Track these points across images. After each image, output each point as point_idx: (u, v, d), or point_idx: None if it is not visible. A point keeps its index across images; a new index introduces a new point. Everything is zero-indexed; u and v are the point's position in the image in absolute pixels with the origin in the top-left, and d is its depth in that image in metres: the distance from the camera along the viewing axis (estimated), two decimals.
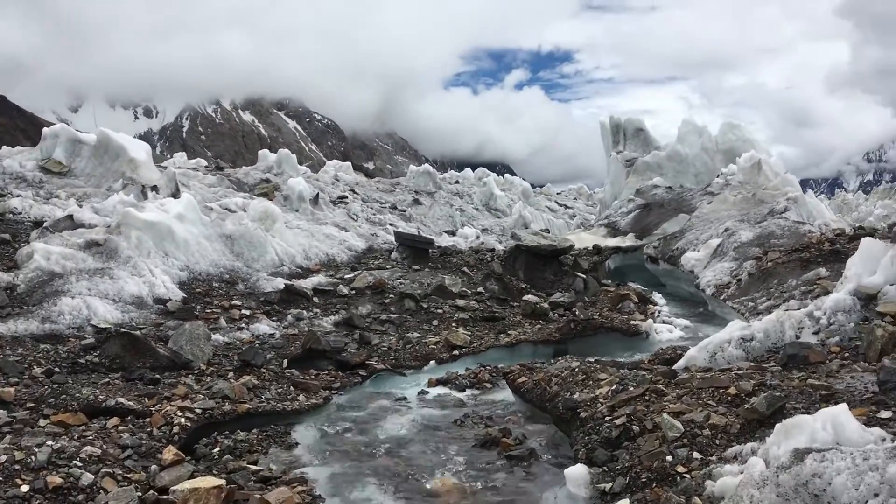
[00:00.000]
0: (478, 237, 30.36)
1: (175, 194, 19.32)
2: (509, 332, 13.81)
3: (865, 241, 8.99)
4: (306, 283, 15.91)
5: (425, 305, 15.30)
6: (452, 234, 32.54)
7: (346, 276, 17.15)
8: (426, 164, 48.79)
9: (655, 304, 18.79)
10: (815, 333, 8.26)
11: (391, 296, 15.64)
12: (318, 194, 27.71)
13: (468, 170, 58.28)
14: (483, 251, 23.30)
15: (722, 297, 15.63)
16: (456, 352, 12.07)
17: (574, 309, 17.54)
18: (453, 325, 14.34)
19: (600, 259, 24.92)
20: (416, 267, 19.07)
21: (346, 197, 34.67)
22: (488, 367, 11.05)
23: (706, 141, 34.64)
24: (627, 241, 26.57)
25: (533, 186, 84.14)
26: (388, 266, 19.32)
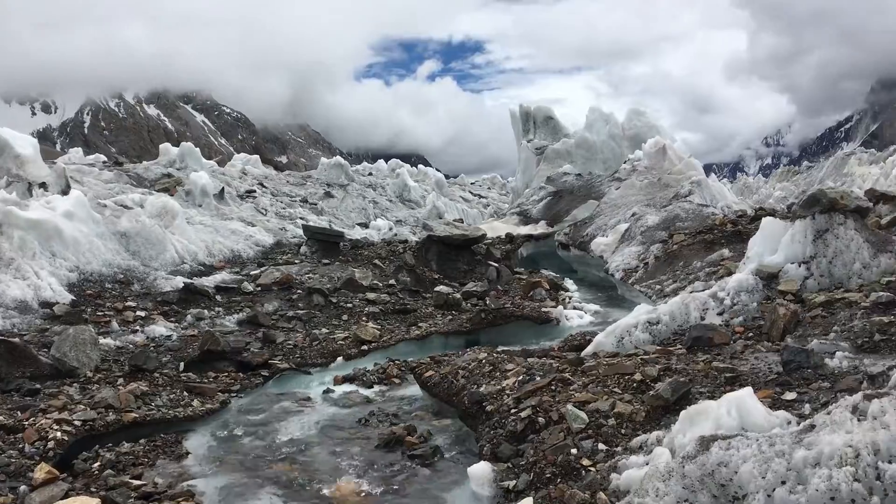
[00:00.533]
0: (391, 229, 29.97)
1: (66, 191, 18.21)
2: (420, 324, 13.52)
3: (766, 221, 9.08)
4: (208, 281, 15.23)
5: (334, 300, 14.85)
6: (365, 226, 32.05)
7: (252, 273, 16.52)
8: (338, 157, 47.97)
9: (567, 291, 18.86)
10: (720, 314, 8.27)
11: (299, 291, 15.12)
12: (223, 189, 26.76)
13: (381, 161, 57.70)
14: (395, 243, 22.94)
15: (630, 282, 15.76)
16: (365, 347, 11.67)
17: (486, 298, 17.43)
18: (363, 319, 13.94)
19: (513, 247, 24.93)
20: (326, 261, 18.56)
21: (255, 191, 33.68)
22: (397, 362, 10.71)
23: (613, 128, 35.19)
24: (539, 228, 26.69)
25: (448, 177, 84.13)
26: (296, 261, 18.73)
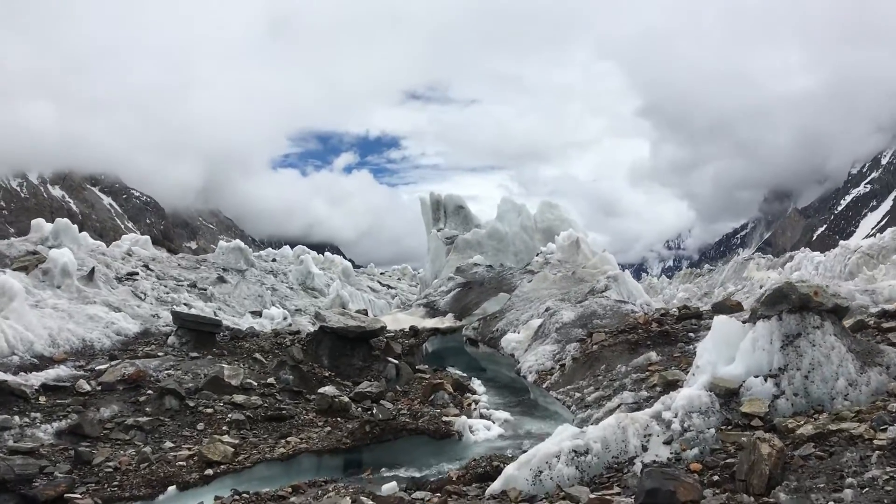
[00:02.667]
0: (285, 318, 27.40)
1: None
2: (290, 438, 11.04)
3: (719, 322, 7.27)
4: (36, 378, 12.38)
5: (192, 404, 12.22)
6: (259, 314, 29.33)
7: (98, 368, 13.71)
8: (237, 241, 45.28)
9: (473, 394, 16.72)
10: (667, 444, 6.28)
11: (149, 392, 12.43)
12: (93, 269, 23.76)
13: (286, 247, 55.12)
14: (284, 334, 20.40)
15: (545, 385, 13.77)
16: (210, 470, 9.12)
17: (381, 401, 15.08)
18: (223, 428, 11.39)
19: (417, 342, 22.72)
20: (196, 354, 15.90)
21: (137, 273, 30.57)
22: (245, 496, 8.17)
23: (525, 219, 34.07)
24: (446, 321, 24.66)
25: (357, 266, 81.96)
26: (160, 353, 15.99)
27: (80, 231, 32.85)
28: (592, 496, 5.50)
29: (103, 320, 17.90)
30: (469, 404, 14.83)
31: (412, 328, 23.70)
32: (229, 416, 11.87)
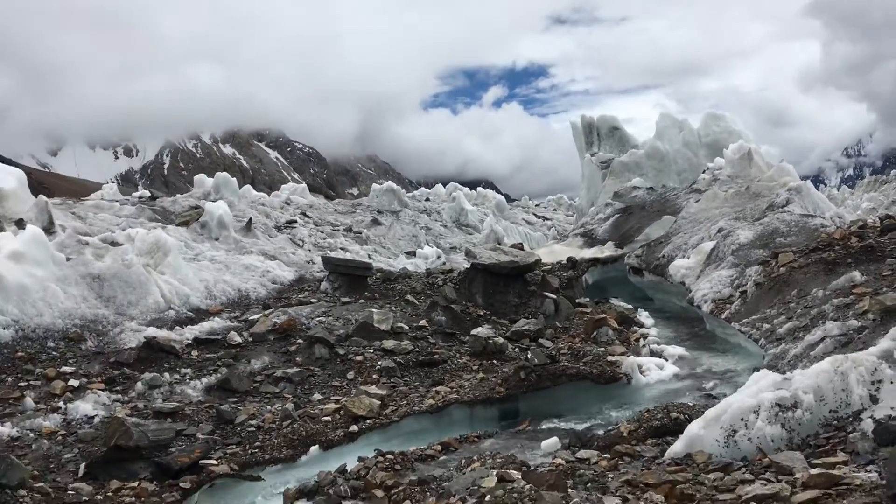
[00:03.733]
0: (439, 257, 26.86)
1: (49, 228, 15.78)
2: (439, 387, 10.24)
3: None
4: (191, 332, 12.34)
5: (342, 352, 11.73)
6: (413, 254, 29.06)
7: (251, 318, 13.57)
8: (390, 182, 45.39)
9: (641, 327, 15.33)
10: None
11: (299, 341, 12.07)
12: (250, 219, 24.15)
13: (439, 185, 54.90)
14: (437, 273, 19.77)
15: (724, 316, 12.13)
16: (355, 427, 8.47)
17: (541, 339, 14.06)
18: (374, 376, 10.80)
19: (576, 274, 21.44)
20: (347, 299, 15.53)
21: (296, 221, 31.12)
22: (389, 458, 7.35)
23: (688, 135, 31.41)
24: (606, 250, 23.14)
25: (510, 200, 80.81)
26: (313, 300, 15.77)
27: (253, 184, 33.94)
28: (813, 470, 4.16)
29: (259, 269, 17.96)
30: (637, 339, 13.50)
31: (570, 259, 22.41)
32: (379, 363, 11.26)
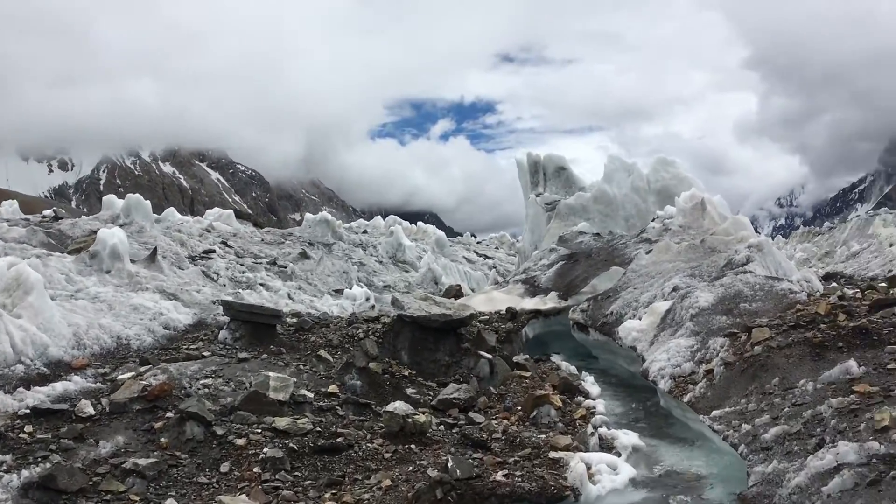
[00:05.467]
0: (368, 299, 24.63)
1: None
2: (337, 488, 8.00)
3: None
4: (33, 397, 9.84)
5: (221, 432, 9.39)
6: (341, 293, 26.75)
7: (121, 377, 11.10)
8: (324, 213, 43.06)
9: (587, 397, 13.39)
10: None
11: (169, 415, 9.69)
12: (155, 249, 21.56)
13: (378, 218, 52.82)
14: (360, 322, 17.54)
15: (686, 399, 10.21)
16: None
17: (472, 411, 11.95)
18: (255, 469, 8.50)
19: (515, 326, 19.50)
20: (246, 355, 13.18)
21: (214, 251, 28.53)
22: None
23: (636, 179, 30.06)
24: (549, 301, 21.26)
25: (455, 234, 79.11)
26: (207, 352, 13.38)
27: (192, 205, 31.27)
28: None
29: (150, 311, 15.47)
30: (582, 417, 11.50)
31: (509, 310, 20.48)
32: (265, 450, 8.96)
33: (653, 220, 24.95)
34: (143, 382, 10.47)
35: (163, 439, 9.08)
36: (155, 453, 8.70)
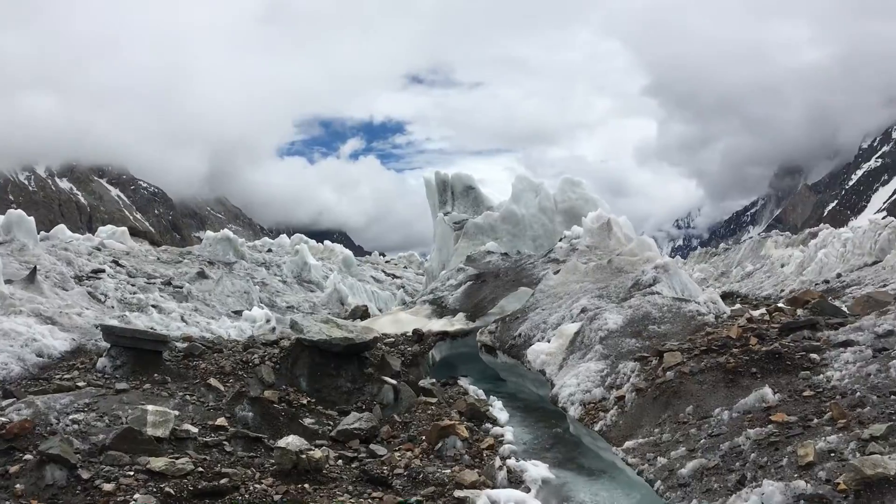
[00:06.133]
0: (268, 321, 23.52)
1: None
2: None
3: None
4: None
5: (87, 476, 8.32)
6: (240, 314, 25.50)
7: None
8: (226, 230, 41.49)
9: (495, 423, 12.85)
10: None
11: (28, 456, 8.55)
12: (34, 269, 19.91)
13: (283, 236, 51.36)
14: (257, 346, 16.55)
15: (597, 428, 9.77)
16: None
17: (374, 443, 11.21)
18: None
19: (422, 349, 18.90)
20: (125, 385, 12.05)
21: (104, 270, 26.82)
22: None
23: (544, 200, 30.06)
24: (457, 322, 20.74)
25: (367, 253, 78.00)
26: (82, 382, 12.17)
27: (90, 223, 29.27)
28: None
29: (22, 337, 14.07)
30: (490, 447, 10.92)
31: (416, 332, 19.85)
32: (136, 495, 7.96)
33: (560, 240, 24.88)
34: (2, 419, 9.27)
35: (18, 486, 7.96)
36: (7, 503, 7.58)
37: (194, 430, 10.28)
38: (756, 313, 12.09)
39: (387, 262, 63.79)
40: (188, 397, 12.08)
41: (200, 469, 8.95)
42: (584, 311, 15.44)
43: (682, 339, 11.44)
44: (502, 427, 12.56)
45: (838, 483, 5.39)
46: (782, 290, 44.73)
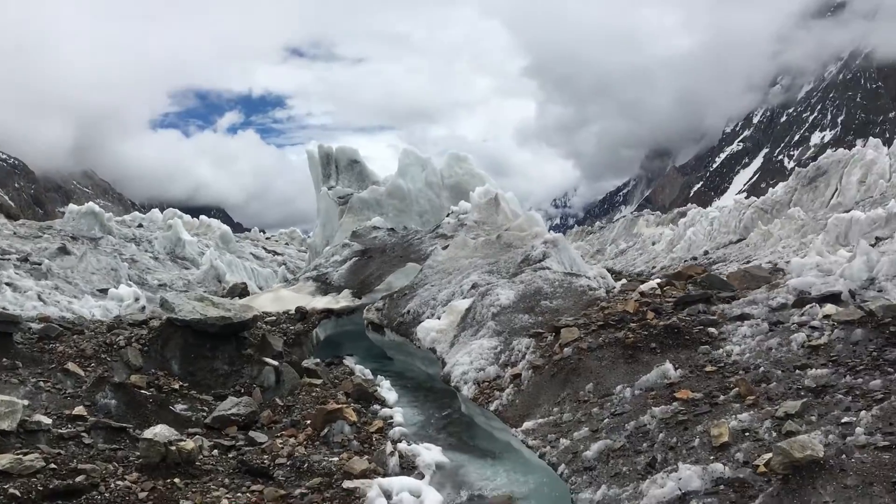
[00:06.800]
0: (137, 299, 21.93)
1: None
2: None
3: None
4: None
5: None
6: (105, 293, 23.68)
7: None
8: (90, 204, 38.71)
9: (383, 405, 12.27)
10: None
11: None
12: None
13: (156, 211, 48.58)
14: (123, 328, 15.21)
15: (493, 408, 9.33)
16: None
17: (253, 430, 10.39)
18: None
19: (306, 328, 18.03)
20: None
21: None
22: None
23: (430, 175, 29.56)
24: (342, 300, 19.95)
25: (242, 230, 75.24)
26: None
27: None
28: None
29: None
30: (379, 430, 10.31)
31: (299, 310, 18.96)
32: None
33: (447, 216, 24.48)
34: None
35: None
36: None
37: (47, 421, 9.11)
38: (646, 287, 12.02)
39: (267, 238, 61.72)
40: (42, 384, 10.83)
41: (53, 466, 7.87)
42: (474, 286, 15.05)
43: (577, 314, 11.19)
44: (391, 408, 12.00)
45: (758, 465, 5.12)
46: (654, 267, 46.32)
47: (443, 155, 30.68)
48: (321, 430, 9.59)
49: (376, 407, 12.01)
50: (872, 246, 24.17)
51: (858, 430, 5.16)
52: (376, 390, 13.15)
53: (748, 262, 32.62)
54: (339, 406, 9.95)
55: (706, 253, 43.21)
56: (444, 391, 12.83)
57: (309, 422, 10.01)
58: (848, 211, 34.21)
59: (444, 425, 11.19)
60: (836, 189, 45.51)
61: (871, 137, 54.96)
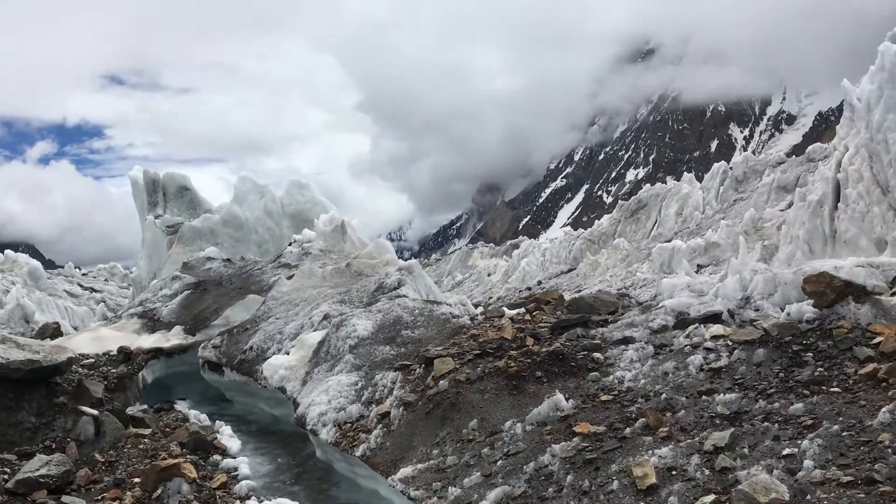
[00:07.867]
0: None
1: None
2: None
3: None
4: None
5: None
6: None
7: None
8: None
9: (225, 454, 10.78)
10: None
11: None
12: None
13: None
14: None
15: (360, 454, 8.16)
16: None
17: (66, 496, 8.61)
18: None
19: (130, 370, 15.99)
20: None
21: None
22: None
23: (270, 202, 27.99)
24: (173, 337, 17.96)
25: (59, 267, 68.73)
26: None
27: None
28: None
29: None
30: (223, 485, 8.85)
31: (122, 350, 16.82)
32: None
33: (290, 245, 23.07)
34: None
35: None
36: None
37: None
38: (512, 313, 11.37)
39: (83, 275, 56.62)
40: None
41: None
42: (327, 317, 13.85)
43: (444, 343, 10.31)
44: (235, 458, 10.53)
45: (656, 490, 4.39)
46: (490, 297, 46.79)
47: (277, 188, 29.19)
48: (153, 490, 8.02)
49: (217, 458, 10.50)
50: (697, 273, 25.37)
51: (808, 463, 4.59)
52: (216, 438, 11.58)
53: (579, 290, 33.49)
54: (175, 461, 8.41)
55: (539, 283, 44.28)
56: (293, 434, 11.51)
57: (138, 480, 8.39)
58: (669, 241, 36.22)
59: (299, 475, 9.89)
60: (656, 221, 48.37)
61: (685, 173, 59.08)
